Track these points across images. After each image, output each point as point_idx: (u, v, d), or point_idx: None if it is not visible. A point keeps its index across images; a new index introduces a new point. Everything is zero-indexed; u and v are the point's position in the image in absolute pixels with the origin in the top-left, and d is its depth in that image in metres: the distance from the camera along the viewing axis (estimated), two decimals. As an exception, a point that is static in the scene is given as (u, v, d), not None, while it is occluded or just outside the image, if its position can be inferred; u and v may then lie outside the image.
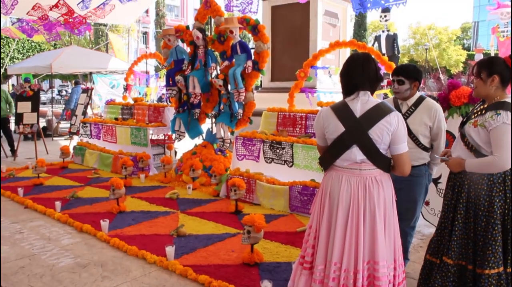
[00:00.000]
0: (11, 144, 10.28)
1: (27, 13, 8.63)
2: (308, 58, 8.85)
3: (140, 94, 10.95)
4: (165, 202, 6.00)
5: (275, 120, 6.79)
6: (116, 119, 9.20)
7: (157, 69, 32.23)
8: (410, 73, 3.52)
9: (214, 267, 3.90)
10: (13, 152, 10.09)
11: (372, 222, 2.65)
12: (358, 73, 2.72)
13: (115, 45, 18.77)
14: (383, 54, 17.95)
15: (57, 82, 33.31)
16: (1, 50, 24.12)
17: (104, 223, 4.77)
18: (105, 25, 22.73)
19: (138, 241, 4.51)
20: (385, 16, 18.53)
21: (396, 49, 20.53)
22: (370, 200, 2.66)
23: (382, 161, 2.68)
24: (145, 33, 43.74)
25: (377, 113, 2.65)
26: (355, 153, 2.66)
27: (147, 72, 17.01)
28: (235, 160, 6.62)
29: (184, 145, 9.84)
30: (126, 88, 9.97)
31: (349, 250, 2.64)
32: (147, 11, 41.59)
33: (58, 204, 5.59)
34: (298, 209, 5.59)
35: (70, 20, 8.43)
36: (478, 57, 23.48)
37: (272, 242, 4.53)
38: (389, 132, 2.62)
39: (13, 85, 15.37)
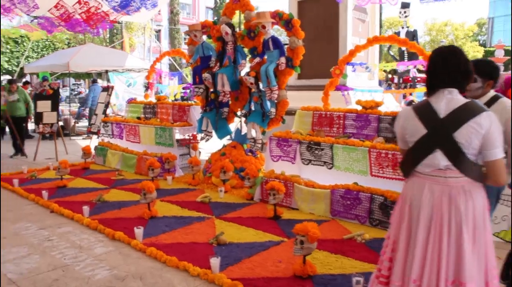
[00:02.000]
0: (16, 143, 10.04)
1: (48, 11, 8.39)
2: (337, 55, 8.57)
3: (162, 92, 10.65)
4: (197, 206, 5.68)
5: (310, 120, 6.45)
6: (139, 118, 8.91)
7: (171, 68, 32.00)
8: (484, 70, 3.18)
9: (263, 280, 3.58)
10: (20, 151, 9.90)
11: (458, 237, 2.30)
12: (442, 68, 2.41)
13: (127, 44, 18.58)
14: (403, 51, 17.58)
15: (70, 81, 33.22)
16: (17, 49, 24.03)
17: (138, 231, 4.47)
18: (119, 23, 22.51)
19: (176, 250, 4.19)
20: (405, 12, 18.09)
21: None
22: (456, 212, 2.32)
23: (471, 169, 2.33)
24: (158, 31, 43.51)
25: (464, 113, 2.32)
26: (439, 158, 2.33)
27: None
28: (269, 162, 6.29)
29: (207, 145, 9.54)
30: (148, 87, 9.67)
31: (430, 267, 2.32)
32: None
33: (86, 209, 5.29)
34: (340, 214, 5.25)
35: (93, 17, 8.17)
36: (499, 53, 22.95)
37: (320, 251, 4.19)
38: (479, 135, 2.28)
39: (26, 82, 15.13)
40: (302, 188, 5.57)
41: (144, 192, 5.13)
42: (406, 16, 18.45)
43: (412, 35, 17.81)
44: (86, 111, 14.29)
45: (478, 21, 60.36)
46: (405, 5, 18.33)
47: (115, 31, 28.00)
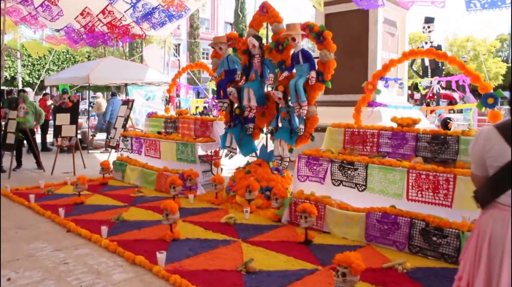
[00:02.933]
0: (19, 157, 9.92)
1: (75, 18, 8.23)
2: (366, 70, 8.24)
3: (181, 106, 10.40)
4: (222, 228, 5.33)
5: (341, 137, 6.09)
6: (159, 132, 8.64)
7: (190, 82, 31.97)
8: None
9: (301, 317, 3.20)
10: (39, 165, 9.76)
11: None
12: None
13: (147, 57, 18.46)
14: (426, 67, 17.15)
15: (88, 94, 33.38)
16: (38, 62, 24.22)
17: (161, 256, 4.13)
18: (145, 37, 22.56)
19: (202, 278, 3.84)
20: (429, 27, 17.67)
21: (440, 61, 19.63)
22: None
23: None
24: (177, 46, 43.77)
25: None
26: (530, 188, 1.97)
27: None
28: (296, 181, 5.92)
29: (229, 161, 9.22)
30: (169, 100, 9.42)
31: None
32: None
33: (104, 229, 4.99)
34: (376, 240, 4.84)
35: (115, 30, 8.00)
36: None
37: (360, 283, 3.79)
38: None
39: (46, 94, 15.07)
40: (334, 210, 5.18)
41: (166, 213, 4.81)
42: (430, 31, 18.03)
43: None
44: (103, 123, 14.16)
45: (499, 37, 59.54)
46: (429, 20, 17.94)
47: (134, 44, 28.10)
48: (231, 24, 53.18)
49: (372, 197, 5.23)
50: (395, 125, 5.75)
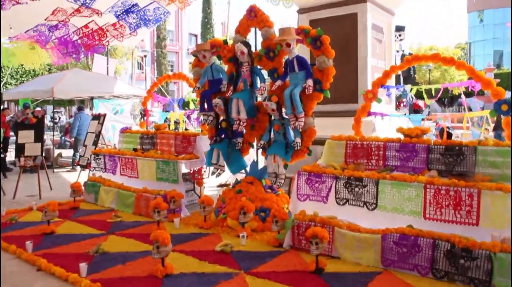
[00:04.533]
0: None
1: (45, 19, 7.45)
2: (356, 78, 7.81)
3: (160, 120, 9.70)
4: (218, 258, 4.69)
5: (342, 151, 5.59)
6: (135, 149, 7.92)
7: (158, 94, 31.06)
8: None
9: None
10: None
11: None
12: None
13: (95, 66, 17.64)
14: (399, 75, 17.10)
15: (49, 108, 31.95)
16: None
17: (157, 299, 3.48)
18: (107, 47, 21.60)
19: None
20: (400, 35, 17.65)
21: (412, 69, 19.65)
22: None
23: None
24: (142, 58, 42.74)
25: None
26: None
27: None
28: (296, 201, 5.37)
29: (209, 179, 8.60)
30: (144, 114, 8.72)
31: None
32: (142, 35, 40.67)
33: (83, 266, 4.26)
34: (394, 264, 4.34)
35: (89, 35, 7.28)
36: (489, 76, 22.86)
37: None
38: None
39: (4, 109, 14.01)
40: (345, 233, 4.65)
41: (157, 245, 4.15)
42: (401, 40, 18.06)
43: (408, 59, 17.39)
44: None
45: (458, 45, 61.67)
46: (399, 28, 17.93)
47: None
48: (195, 35, 52.53)
49: (383, 216, 4.74)
50: (401, 136, 5.30)
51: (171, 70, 45.39)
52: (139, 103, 15.75)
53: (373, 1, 7.69)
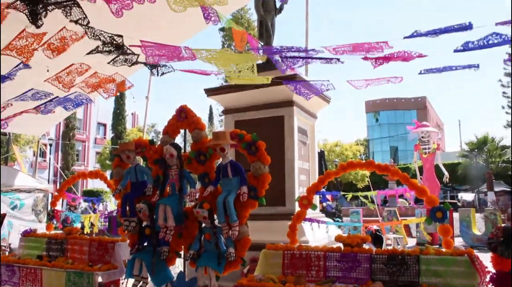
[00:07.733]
0: None
1: None
2: (284, 181, 7.73)
3: (74, 223, 8.71)
4: None
5: (279, 261, 5.26)
6: (40, 257, 6.88)
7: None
8: None
9: None
10: None
11: None
12: None
13: (19, 158, 16.21)
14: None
15: None
16: None
17: None
18: (5, 135, 20.04)
19: None
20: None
21: (324, 166, 20.47)
22: None
23: None
24: (46, 146, 40.42)
25: None
26: None
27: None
28: (231, 321, 4.83)
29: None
30: (53, 215, 7.77)
31: None
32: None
33: None
34: None
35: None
36: (392, 185, 24.64)
37: None
38: None
39: None
40: None
41: None
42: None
43: (320, 156, 18.10)
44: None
45: (356, 141, 66.85)
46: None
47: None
48: (104, 125, 51.30)
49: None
50: (341, 245, 5.13)
51: (77, 160, 43.23)
52: (42, 198, 14.33)
53: (298, 104, 7.89)
